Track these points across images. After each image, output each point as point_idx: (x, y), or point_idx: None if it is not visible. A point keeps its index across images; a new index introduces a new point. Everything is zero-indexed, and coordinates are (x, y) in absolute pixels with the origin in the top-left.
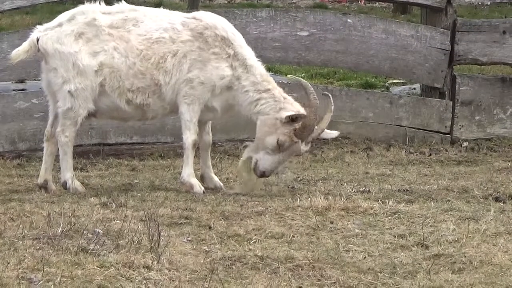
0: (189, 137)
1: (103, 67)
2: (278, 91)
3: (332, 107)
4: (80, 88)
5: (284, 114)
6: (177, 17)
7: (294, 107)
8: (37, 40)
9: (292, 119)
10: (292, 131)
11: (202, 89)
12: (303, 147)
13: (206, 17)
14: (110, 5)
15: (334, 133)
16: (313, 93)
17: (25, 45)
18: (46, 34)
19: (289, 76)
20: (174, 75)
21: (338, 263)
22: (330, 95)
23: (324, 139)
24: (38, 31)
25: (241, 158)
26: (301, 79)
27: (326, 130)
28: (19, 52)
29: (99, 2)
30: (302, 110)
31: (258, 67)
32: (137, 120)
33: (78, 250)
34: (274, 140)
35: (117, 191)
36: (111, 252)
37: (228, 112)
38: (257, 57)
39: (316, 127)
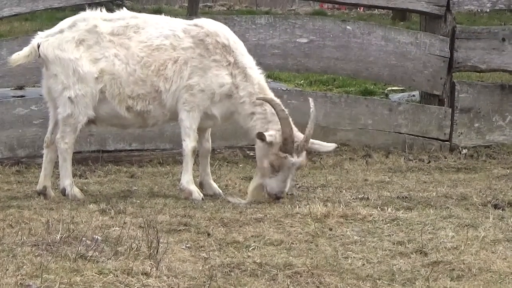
0: (188, 144)
1: (104, 73)
2: (266, 106)
3: (313, 113)
4: (80, 95)
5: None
6: (178, 24)
7: (277, 125)
8: (38, 46)
9: (261, 138)
10: (278, 149)
11: (202, 96)
12: (296, 159)
13: (208, 24)
14: (111, 12)
15: (331, 146)
16: (278, 105)
17: (25, 50)
18: (47, 40)
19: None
20: (174, 82)
21: (337, 270)
22: (310, 99)
23: (322, 152)
24: (39, 37)
25: (251, 185)
26: (267, 96)
27: (322, 142)
28: (19, 56)
29: (100, 9)
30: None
31: (257, 77)
32: (137, 127)
33: (77, 256)
34: (267, 163)
35: (116, 198)
36: (110, 259)
37: (228, 119)
38: (256, 64)
39: (302, 135)
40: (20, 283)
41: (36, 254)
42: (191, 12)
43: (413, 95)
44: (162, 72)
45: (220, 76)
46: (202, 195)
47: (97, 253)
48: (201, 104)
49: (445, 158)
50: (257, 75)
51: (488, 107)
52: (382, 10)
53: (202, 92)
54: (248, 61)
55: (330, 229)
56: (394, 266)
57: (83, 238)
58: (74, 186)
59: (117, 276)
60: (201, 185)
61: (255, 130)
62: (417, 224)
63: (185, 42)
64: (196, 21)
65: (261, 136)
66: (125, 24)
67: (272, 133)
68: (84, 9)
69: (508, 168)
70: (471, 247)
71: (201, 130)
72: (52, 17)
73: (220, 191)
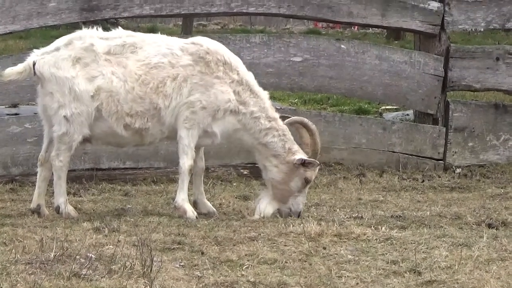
0: (186, 162)
1: (100, 91)
2: (280, 121)
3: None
4: (76, 113)
5: (298, 157)
6: (176, 42)
7: (295, 144)
8: (34, 64)
9: (304, 164)
10: (308, 164)
11: (203, 113)
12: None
13: (207, 42)
14: (107, 30)
15: None
16: (310, 123)
17: (20, 67)
18: (43, 58)
19: (286, 121)
20: (174, 99)
21: None
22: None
23: None
24: (35, 55)
25: (268, 210)
26: (298, 117)
27: None
28: (13, 71)
29: (97, 28)
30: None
31: (263, 93)
32: (133, 146)
33: (70, 275)
34: (300, 181)
35: (110, 216)
36: (104, 277)
37: (230, 137)
38: None
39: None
40: None
41: (30, 272)
42: (186, 30)
43: (407, 114)
44: (161, 89)
45: (226, 92)
46: (196, 213)
47: (91, 271)
48: (202, 121)
49: (439, 177)
50: (262, 90)
51: (482, 126)
52: (376, 29)
53: (204, 109)
54: (251, 78)
55: (324, 248)
56: (388, 285)
57: (77, 256)
58: (68, 204)
59: None
60: (195, 204)
61: (274, 147)
62: (411, 243)
63: (183, 59)
64: (193, 39)
65: (303, 162)
66: (121, 42)
67: (302, 154)
68: (78, 28)
69: (502, 188)
70: (465, 267)
71: (196, 149)
72: (46, 35)
73: (214, 209)
